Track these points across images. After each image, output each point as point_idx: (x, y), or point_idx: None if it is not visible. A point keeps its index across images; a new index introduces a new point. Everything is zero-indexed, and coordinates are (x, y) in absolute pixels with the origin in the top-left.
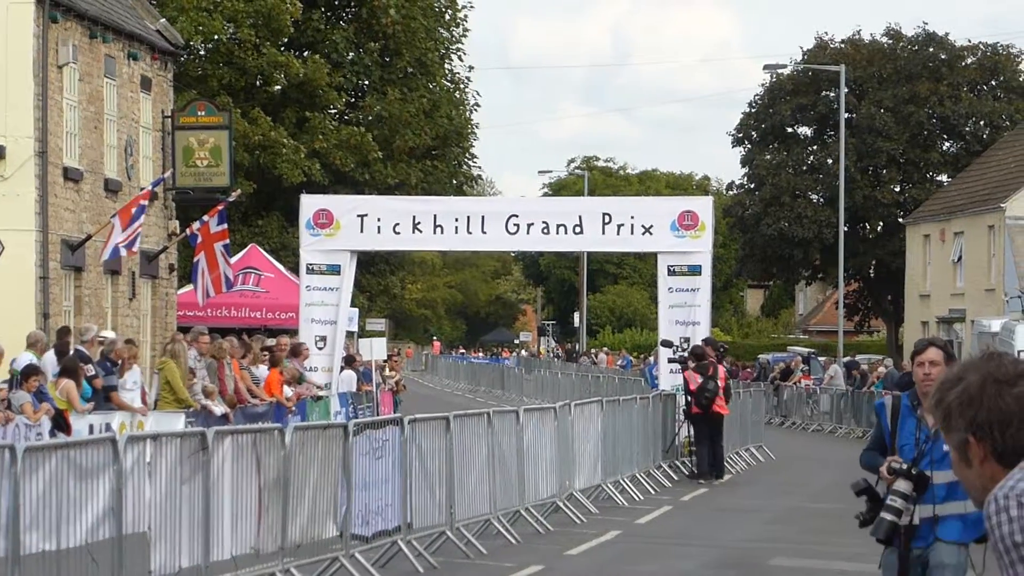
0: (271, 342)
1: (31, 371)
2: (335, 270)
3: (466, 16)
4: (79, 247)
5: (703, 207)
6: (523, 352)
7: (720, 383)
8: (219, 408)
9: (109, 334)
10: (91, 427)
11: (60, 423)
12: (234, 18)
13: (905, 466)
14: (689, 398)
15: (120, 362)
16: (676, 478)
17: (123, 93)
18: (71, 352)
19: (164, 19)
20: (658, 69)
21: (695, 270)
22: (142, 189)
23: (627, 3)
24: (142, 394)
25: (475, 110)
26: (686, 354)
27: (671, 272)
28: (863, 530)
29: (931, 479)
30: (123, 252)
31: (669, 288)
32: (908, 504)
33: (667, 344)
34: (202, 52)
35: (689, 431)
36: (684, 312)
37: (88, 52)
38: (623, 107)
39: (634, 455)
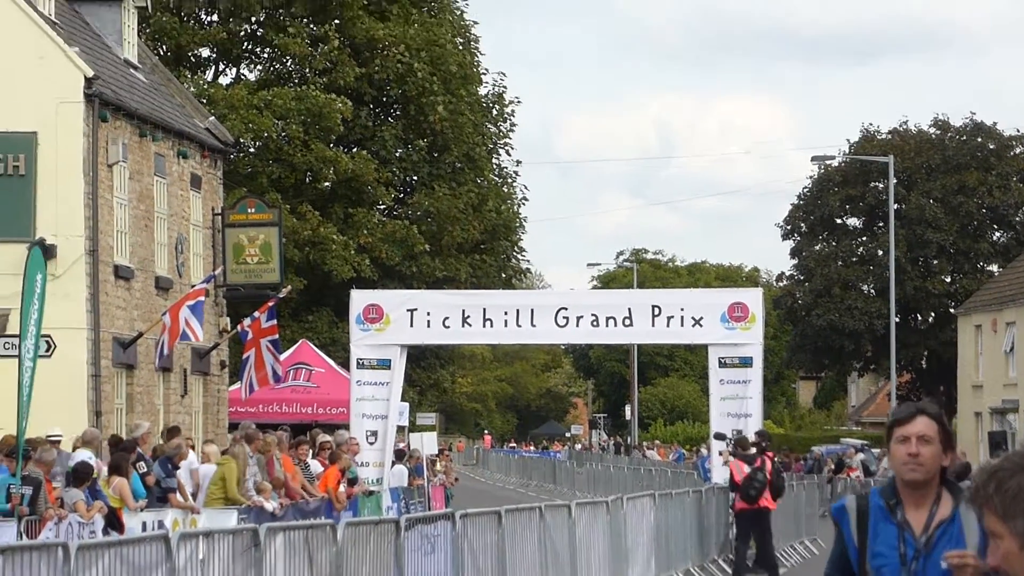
0: (326, 438)
1: (86, 469)
2: (385, 364)
3: (513, 111)
4: (130, 345)
5: (753, 299)
6: (575, 446)
7: (768, 476)
8: (270, 504)
9: (56, 431)
10: (144, 524)
11: (113, 521)
12: (284, 116)
13: None
14: (733, 494)
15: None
16: (730, 572)
17: (173, 191)
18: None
19: (213, 117)
20: (703, 161)
21: (746, 362)
22: (193, 286)
23: (671, 96)
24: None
25: (523, 204)
26: (733, 441)
27: (722, 364)
28: None
29: None
30: (166, 350)
31: (720, 380)
32: None
33: (720, 437)
34: (251, 149)
35: (732, 526)
36: (736, 404)
37: (138, 151)
38: (669, 199)
39: (688, 549)
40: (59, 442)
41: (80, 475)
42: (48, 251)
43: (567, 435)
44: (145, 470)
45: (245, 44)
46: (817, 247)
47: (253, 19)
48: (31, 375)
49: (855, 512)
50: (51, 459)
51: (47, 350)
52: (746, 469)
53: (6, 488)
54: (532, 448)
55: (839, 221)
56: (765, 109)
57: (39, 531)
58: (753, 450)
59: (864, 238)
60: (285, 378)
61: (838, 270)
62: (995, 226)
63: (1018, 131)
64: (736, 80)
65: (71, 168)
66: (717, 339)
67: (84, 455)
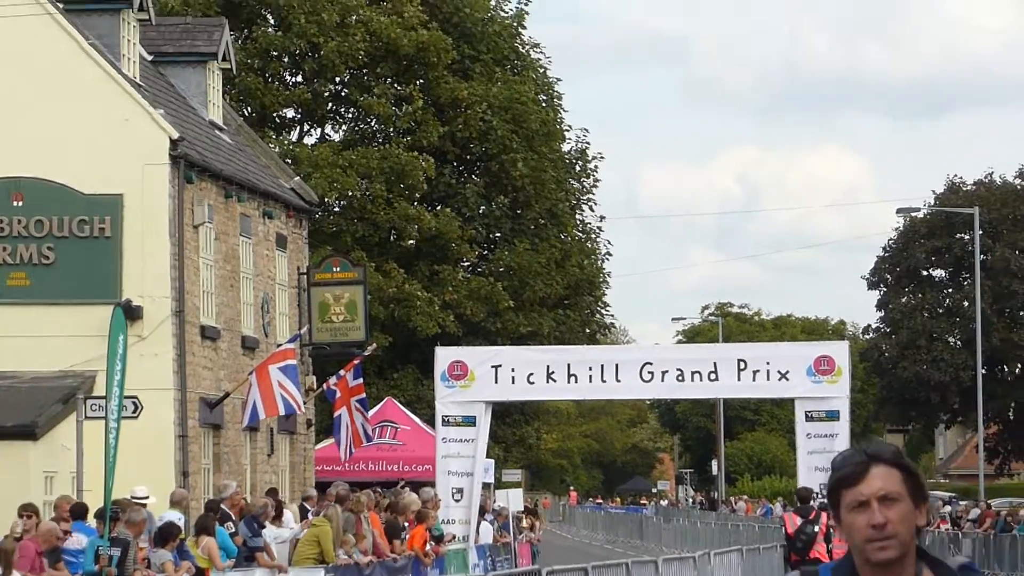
0: (415, 501)
1: (171, 529)
2: (471, 421)
3: (596, 167)
4: (217, 405)
5: (839, 352)
6: (662, 501)
7: (821, 528)
8: (357, 554)
9: (141, 491)
10: None
11: None
12: (367, 175)
13: None
14: (786, 547)
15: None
16: None
17: (259, 251)
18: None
19: (298, 177)
20: (788, 215)
21: (833, 415)
22: (278, 345)
23: (754, 150)
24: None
25: (607, 259)
26: (825, 501)
27: (808, 418)
28: None
29: None
30: (261, 414)
31: (807, 434)
32: None
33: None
34: (336, 208)
35: None
36: (823, 458)
37: (223, 211)
38: (754, 253)
39: None
40: (146, 503)
41: (165, 535)
42: (134, 312)
43: (653, 491)
44: (233, 531)
45: (329, 104)
46: (903, 299)
47: (337, 79)
48: (116, 436)
49: None
50: (140, 519)
51: (134, 411)
52: (798, 521)
53: (95, 549)
54: (618, 504)
55: (925, 273)
56: (848, 162)
57: None
58: (813, 503)
59: (950, 289)
60: (373, 436)
61: (924, 322)
62: None
63: None
64: (817, 133)
65: (157, 230)
66: (803, 393)
67: (174, 516)
